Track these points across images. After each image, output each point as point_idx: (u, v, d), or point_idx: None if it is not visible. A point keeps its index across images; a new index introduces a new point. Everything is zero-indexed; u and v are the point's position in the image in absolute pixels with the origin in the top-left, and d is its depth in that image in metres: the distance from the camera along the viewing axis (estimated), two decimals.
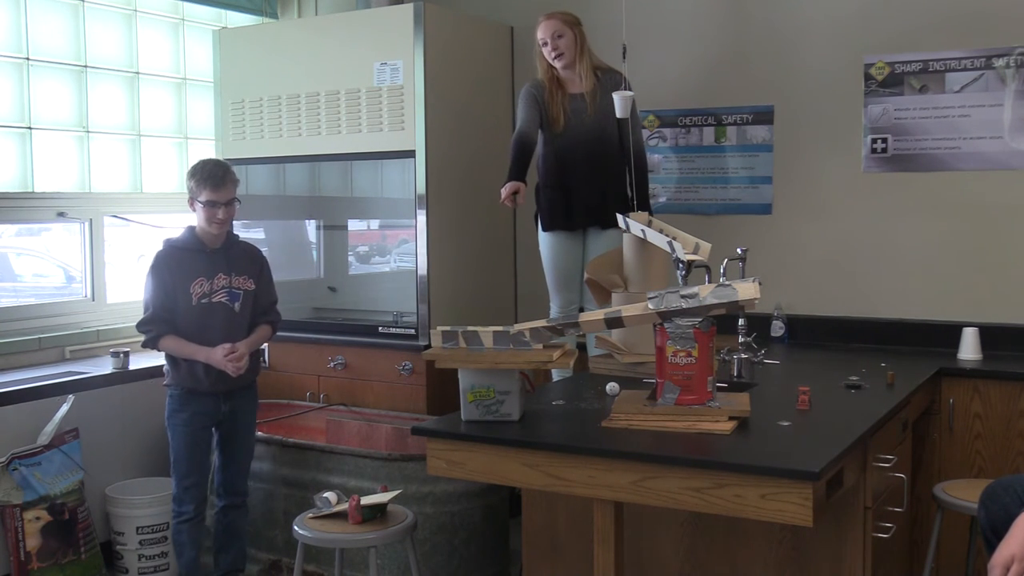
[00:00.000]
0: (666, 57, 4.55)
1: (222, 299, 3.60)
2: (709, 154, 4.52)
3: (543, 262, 4.11)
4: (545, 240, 4.07)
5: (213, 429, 3.68)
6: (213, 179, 3.54)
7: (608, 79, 3.95)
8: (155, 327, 3.54)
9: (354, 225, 5.40)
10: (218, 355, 3.52)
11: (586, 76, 3.96)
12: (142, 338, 3.59)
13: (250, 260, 3.73)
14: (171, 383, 3.62)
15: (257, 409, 3.84)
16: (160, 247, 3.63)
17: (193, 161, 4.94)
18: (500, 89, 4.82)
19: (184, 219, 4.95)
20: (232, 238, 3.73)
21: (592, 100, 3.94)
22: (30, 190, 4.27)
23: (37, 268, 5.00)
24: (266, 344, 4.63)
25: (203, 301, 3.57)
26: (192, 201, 3.60)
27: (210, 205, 3.54)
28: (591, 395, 3.10)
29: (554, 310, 4.11)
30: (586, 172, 3.97)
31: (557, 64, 3.93)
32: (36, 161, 4.28)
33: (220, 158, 4.77)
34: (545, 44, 3.92)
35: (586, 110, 3.95)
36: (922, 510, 3.68)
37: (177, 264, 3.57)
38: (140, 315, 3.58)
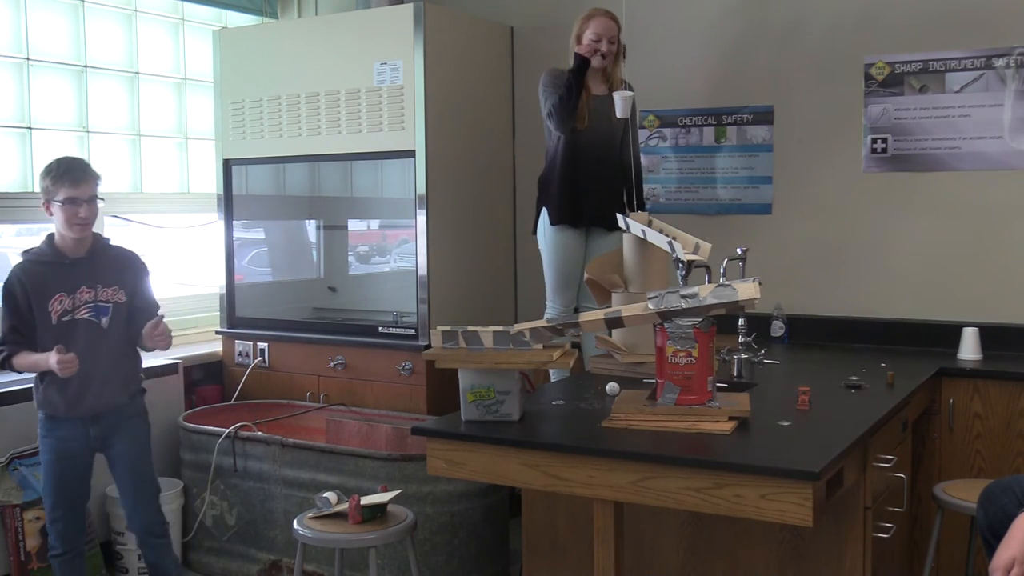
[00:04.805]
0: (666, 57, 4.55)
1: (86, 315, 3.25)
2: (709, 154, 4.52)
3: (545, 260, 4.08)
4: (550, 236, 4.03)
5: (91, 457, 3.36)
6: (72, 173, 3.20)
7: (624, 87, 3.97)
8: (6, 347, 3.20)
9: (354, 225, 5.41)
10: (52, 359, 3.11)
11: (615, 81, 3.97)
12: None
13: (121, 268, 3.36)
14: (37, 404, 3.31)
15: (144, 431, 3.45)
16: (18, 259, 3.29)
17: (194, 160, 4.98)
18: (500, 89, 4.82)
19: (186, 219, 4.98)
20: (100, 244, 3.36)
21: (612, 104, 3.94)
22: (30, 190, 4.27)
23: None
24: (266, 344, 4.66)
25: (64, 319, 3.22)
26: (48, 203, 3.23)
27: (70, 203, 3.18)
28: (591, 395, 3.10)
29: (554, 311, 4.10)
30: (598, 173, 3.98)
31: (598, 62, 3.92)
32: (36, 161, 4.28)
33: (226, 155, 4.81)
34: (599, 39, 3.89)
35: (608, 112, 3.95)
36: (922, 510, 3.68)
37: (32, 281, 3.22)
38: None
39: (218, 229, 4.82)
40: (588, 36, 3.90)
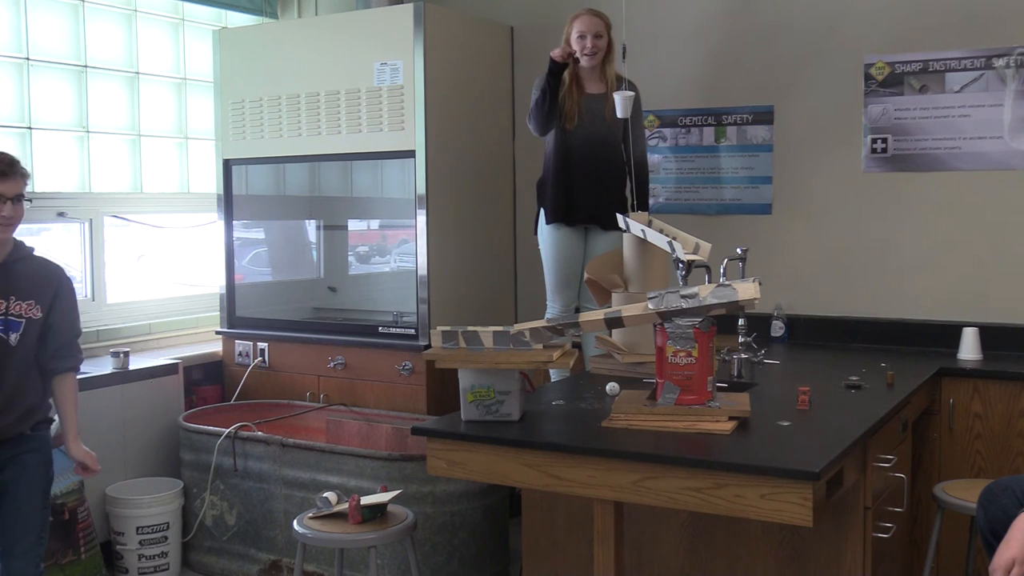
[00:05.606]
0: (666, 57, 4.55)
1: None
2: (709, 154, 4.52)
3: (544, 260, 4.10)
4: (548, 235, 4.05)
5: None
6: None
7: (621, 85, 3.97)
8: None
9: (354, 225, 5.41)
10: None
11: (610, 79, 3.98)
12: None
13: (40, 281, 3.04)
14: None
15: (40, 471, 3.04)
16: None
17: (194, 160, 4.99)
18: (500, 89, 4.82)
19: (186, 219, 4.98)
20: (20, 252, 3.05)
21: (609, 103, 3.94)
22: (30, 190, 4.25)
23: None
24: (266, 344, 4.66)
25: None
26: None
27: None
28: (591, 395, 3.10)
29: (555, 311, 4.10)
30: (592, 172, 3.98)
31: (586, 61, 3.92)
32: (36, 161, 4.28)
33: (226, 155, 4.80)
34: (583, 37, 3.90)
35: (602, 111, 3.95)
36: (922, 510, 3.68)
37: None
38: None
39: (218, 229, 4.82)
40: (573, 35, 3.92)
